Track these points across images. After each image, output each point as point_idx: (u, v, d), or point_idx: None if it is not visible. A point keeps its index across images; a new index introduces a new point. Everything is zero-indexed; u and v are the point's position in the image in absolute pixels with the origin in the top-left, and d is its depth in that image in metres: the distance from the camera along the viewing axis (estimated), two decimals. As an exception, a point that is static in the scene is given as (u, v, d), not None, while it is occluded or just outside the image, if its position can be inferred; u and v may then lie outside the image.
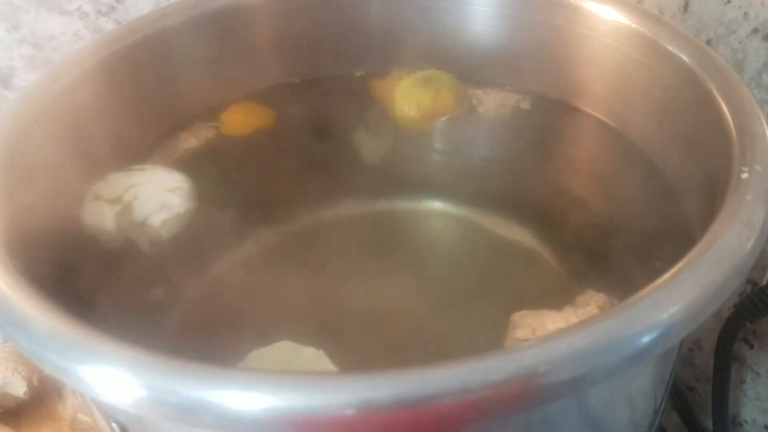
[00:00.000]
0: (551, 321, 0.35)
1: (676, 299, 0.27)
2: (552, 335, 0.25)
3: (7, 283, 0.30)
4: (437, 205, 0.51)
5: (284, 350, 0.34)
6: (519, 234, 0.47)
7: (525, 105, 0.52)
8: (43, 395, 0.58)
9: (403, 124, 0.52)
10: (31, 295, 0.29)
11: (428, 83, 0.52)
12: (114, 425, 0.31)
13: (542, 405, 0.27)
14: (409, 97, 0.52)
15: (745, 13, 0.47)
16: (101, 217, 0.42)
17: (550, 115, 0.51)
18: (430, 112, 0.51)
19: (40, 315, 0.28)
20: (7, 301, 0.29)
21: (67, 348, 0.27)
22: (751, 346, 0.54)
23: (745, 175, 0.32)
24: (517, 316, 0.36)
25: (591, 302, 0.36)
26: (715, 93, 0.38)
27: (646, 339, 0.26)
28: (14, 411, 0.56)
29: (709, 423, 0.58)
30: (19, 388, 0.55)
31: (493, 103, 0.52)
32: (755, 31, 0.47)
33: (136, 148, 0.48)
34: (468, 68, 0.53)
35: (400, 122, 0.52)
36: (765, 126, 0.35)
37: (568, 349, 0.25)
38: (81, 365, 0.26)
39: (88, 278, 0.40)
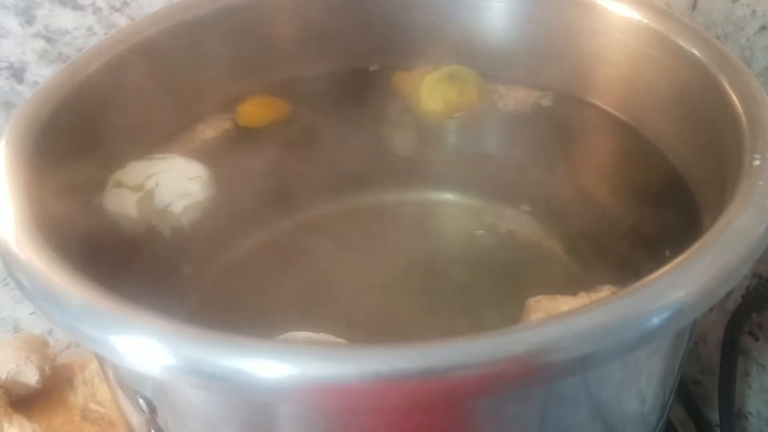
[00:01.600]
0: (566, 305, 0.36)
1: (691, 279, 0.28)
2: (572, 311, 0.26)
3: (41, 260, 0.31)
4: (453, 197, 0.51)
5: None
6: (534, 227, 0.47)
7: (546, 102, 0.52)
8: (55, 384, 0.58)
9: (428, 118, 0.53)
10: (64, 270, 0.30)
11: (453, 79, 0.53)
12: (141, 401, 0.32)
13: (560, 378, 0.28)
14: (434, 91, 0.52)
15: (753, 11, 0.48)
16: (123, 203, 0.43)
17: (566, 110, 0.52)
18: (455, 107, 0.52)
19: (74, 288, 0.29)
20: (42, 276, 0.30)
21: (101, 319, 0.27)
22: (757, 339, 0.55)
23: (757, 162, 0.33)
24: (532, 302, 0.37)
25: (604, 289, 0.37)
26: (726, 85, 0.39)
27: (660, 317, 0.27)
28: (26, 399, 0.56)
29: (713, 416, 0.59)
30: (31, 377, 0.56)
31: (513, 99, 0.53)
32: (763, 28, 0.48)
33: (156, 139, 0.49)
34: (483, 63, 0.54)
35: (425, 116, 0.53)
36: (775, 116, 0.36)
37: (588, 324, 0.26)
38: (115, 336, 0.27)
39: (112, 262, 0.41)
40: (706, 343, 0.60)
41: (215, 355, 0.25)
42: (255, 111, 0.53)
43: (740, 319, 0.49)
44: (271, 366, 0.25)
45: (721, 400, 0.54)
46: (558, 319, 0.26)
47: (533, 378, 0.26)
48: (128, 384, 0.33)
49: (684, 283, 0.28)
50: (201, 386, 0.27)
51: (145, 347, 0.26)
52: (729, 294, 0.55)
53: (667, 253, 0.41)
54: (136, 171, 0.45)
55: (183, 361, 0.25)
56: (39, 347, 0.58)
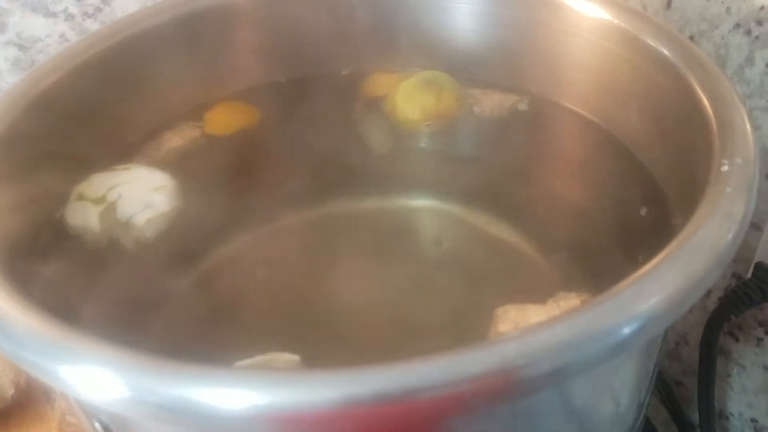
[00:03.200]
0: (534, 315, 0.35)
1: (656, 290, 0.27)
2: (532, 327, 0.25)
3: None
4: (428, 203, 0.51)
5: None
6: (507, 231, 0.47)
7: (522, 106, 0.52)
8: (31, 397, 0.57)
9: (405, 126, 0.52)
10: (10, 295, 0.29)
11: (430, 85, 0.52)
12: (97, 425, 0.31)
13: (525, 397, 0.27)
14: (411, 99, 0.51)
15: (728, 8, 0.47)
16: (85, 216, 0.42)
17: (540, 114, 0.51)
18: (432, 114, 0.51)
19: (20, 315, 0.28)
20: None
21: (47, 348, 0.27)
22: (737, 340, 0.54)
23: (725, 168, 0.32)
24: (500, 311, 0.36)
25: (573, 296, 0.36)
26: (696, 87, 0.38)
27: (626, 330, 0.26)
28: (2, 413, 0.56)
29: (695, 416, 0.58)
30: (6, 390, 0.55)
31: (489, 104, 0.52)
32: (737, 26, 0.47)
33: (120, 148, 0.48)
34: (455, 66, 0.53)
35: (401, 124, 0.52)
36: (746, 119, 0.35)
37: (549, 341, 0.25)
38: (62, 365, 0.26)
39: (73, 278, 0.40)
40: (687, 344, 0.60)
41: (163, 385, 0.24)
42: (223, 118, 0.52)
43: (718, 320, 0.49)
44: (221, 394, 0.24)
45: (701, 401, 0.53)
46: (517, 336, 0.25)
47: (494, 398, 0.25)
48: (85, 408, 0.32)
49: (649, 295, 0.27)
50: (151, 417, 0.26)
51: (91, 377, 0.25)
52: (709, 295, 0.55)
53: (640, 258, 0.41)
54: (98, 183, 0.44)
55: (133, 392, 0.25)
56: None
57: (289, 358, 0.32)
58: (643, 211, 0.42)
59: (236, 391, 0.24)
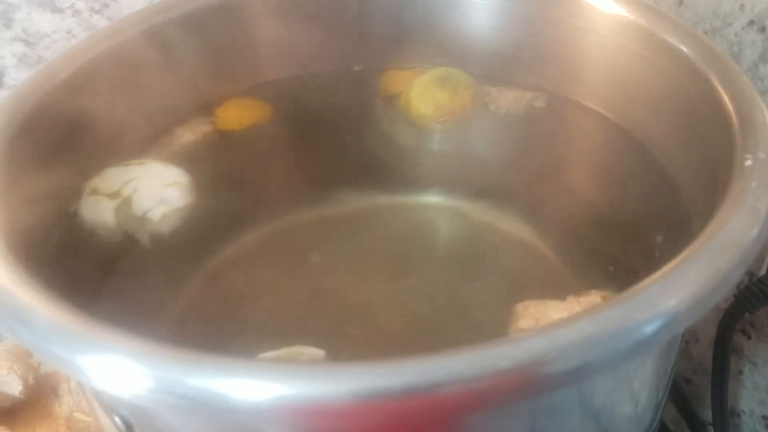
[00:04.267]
0: (554, 311, 0.35)
1: (682, 287, 0.27)
2: (560, 322, 0.25)
3: (9, 276, 0.30)
4: (439, 199, 0.50)
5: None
6: (523, 228, 0.47)
7: (539, 103, 0.51)
8: (39, 394, 0.57)
9: (419, 123, 0.51)
10: (33, 288, 0.29)
11: (445, 82, 0.51)
12: (117, 420, 0.31)
13: (551, 392, 0.27)
14: (425, 96, 0.51)
15: (741, 5, 0.47)
16: (100, 211, 0.42)
17: (556, 112, 0.51)
18: (447, 111, 0.51)
19: (42, 307, 0.28)
20: (9, 293, 0.29)
21: (70, 339, 0.26)
22: (749, 337, 0.54)
23: (749, 162, 0.32)
24: (520, 307, 0.36)
25: (593, 292, 0.36)
26: (716, 83, 0.38)
27: (653, 326, 0.26)
28: (10, 410, 0.55)
29: (706, 415, 0.58)
30: (14, 387, 0.55)
31: (505, 101, 0.52)
32: (751, 23, 0.47)
33: (133, 144, 0.48)
34: (470, 62, 0.53)
35: (415, 120, 0.51)
36: (766, 114, 0.35)
37: (576, 336, 0.25)
38: (84, 356, 0.26)
39: (88, 273, 0.40)
40: (698, 342, 0.60)
41: (188, 376, 0.24)
42: (234, 114, 0.52)
43: (732, 318, 0.49)
44: (246, 386, 0.24)
45: (714, 399, 0.53)
46: (545, 330, 0.25)
47: (520, 393, 0.25)
48: (104, 401, 0.32)
49: (675, 291, 0.27)
50: (176, 408, 0.26)
51: (115, 368, 0.25)
52: (721, 292, 0.55)
53: (657, 255, 0.41)
54: (112, 177, 0.44)
55: (155, 383, 0.24)
56: (22, 357, 0.57)
57: (315, 352, 0.31)
58: (662, 212, 0.42)
59: (262, 383, 0.24)
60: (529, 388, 0.25)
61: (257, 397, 0.24)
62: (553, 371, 0.25)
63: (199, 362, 0.24)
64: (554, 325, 0.25)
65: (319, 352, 0.32)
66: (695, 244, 0.29)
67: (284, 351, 0.31)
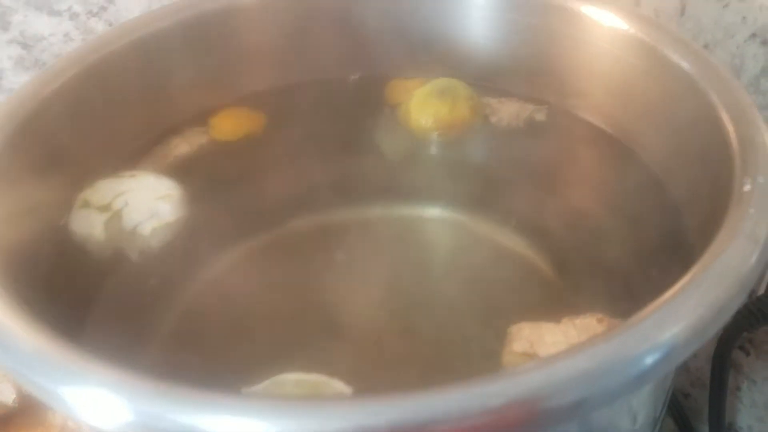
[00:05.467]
0: (549, 334, 0.34)
1: (680, 318, 0.26)
2: (553, 357, 0.25)
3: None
4: (436, 212, 0.50)
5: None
6: (520, 244, 0.46)
7: (540, 116, 0.51)
8: (33, 403, 0.57)
9: (418, 134, 0.51)
10: (14, 312, 0.28)
11: (444, 94, 0.51)
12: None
13: (544, 429, 0.26)
14: (425, 107, 0.50)
15: (744, 18, 0.47)
16: (90, 225, 0.42)
17: (557, 126, 0.50)
18: (446, 124, 0.50)
19: (24, 333, 0.27)
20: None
21: (51, 369, 0.26)
22: (748, 354, 0.54)
23: (747, 187, 0.31)
24: (514, 329, 0.36)
25: (588, 315, 0.36)
26: (716, 102, 0.38)
27: (650, 360, 0.25)
28: (3, 419, 0.55)
29: (703, 429, 0.58)
30: (8, 396, 0.54)
31: (506, 114, 0.51)
32: (753, 35, 0.46)
33: (127, 154, 0.48)
34: (470, 73, 0.52)
35: (414, 132, 0.51)
36: (766, 136, 0.35)
37: (571, 372, 0.24)
38: (65, 387, 0.25)
39: (76, 288, 0.40)
40: (696, 357, 0.59)
41: (170, 411, 0.24)
42: (229, 123, 0.51)
43: (731, 337, 0.48)
44: (229, 422, 0.23)
45: (712, 416, 0.53)
46: (538, 366, 0.24)
47: (521, 427, 0.24)
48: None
49: (673, 323, 0.26)
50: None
51: (98, 401, 0.25)
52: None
53: (655, 274, 0.40)
54: (104, 190, 0.43)
55: (136, 417, 0.24)
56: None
57: (341, 387, 0.31)
58: (660, 232, 0.41)
59: (245, 420, 0.23)
60: (522, 425, 0.24)
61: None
62: (547, 408, 0.24)
63: (181, 397, 0.24)
64: (548, 360, 0.25)
65: (345, 388, 0.31)
66: (692, 273, 0.28)
67: (310, 377, 0.30)
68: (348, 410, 0.23)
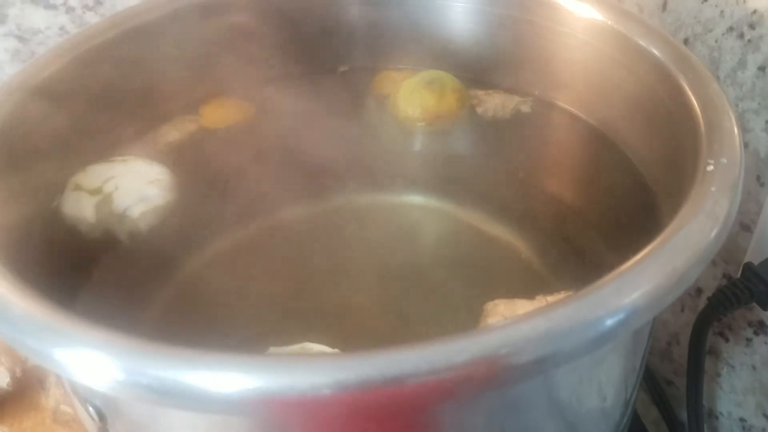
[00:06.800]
0: (522, 309, 0.36)
1: (637, 285, 0.28)
2: (515, 318, 0.26)
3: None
4: (421, 200, 0.51)
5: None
6: (502, 230, 0.47)
7: (525, 108, 0.52)
8: (26, 386, 0.57)
9: (405, 125, 0.52)
10: (7, 279, 0.30)
11: (432, 85, 0.52)
12: (91, 410, 0.32)
13: (508, 386, 0.28)
14: (412, 98, 0.52)
15: (721, 12, 0.48)
16: (81, 207, 0.43)
17: (539, 115, 0.51)
18: (433, 114, 0.51)
19: (17, 298, 0.28)
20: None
21: (43, 331, 0.27)
22: (727, 340, 0.55)
23: (710, 167, 0.33)
24: (490, 305, 0.37)
25: (562, 293, 0.37)
26: (687, 88, 0.39)
27: (608, 323, 0.27)
28: (-3, 402, 0.56)
29: (685, 416, 0.59)
30: (1, 379, 0.55)
31: (492, 105, 0.52)
32: (731, 29, 0.47)
33: (118, 140, 0.49)
34: (454, 65, 0.54)
35: (402, 122, 0.52)
36: (734, 121, 0.36)
37: (531, 332, 0.25)
38: (57, 348, 0.27)
39: (67, 268, 0.41)
40: (678, 344, 0.60)
41: (156, 368, 0.25)
42: (219, 113, 0.52)
43: (707, 320, 0.49)
44: (209, 377, 0.24)
45: (689, 400, 0.54)
46: (500, 327, 0.26)
47: (477, 385, 0.26)
48: (79, 391, 0.33)
49: (632, 288, 0.28)
50: (143, 400, 0.26)
51: (88, 360, 0.26)
52: (700, 295, 0.55)
53: (630, 255, 0.41)
54: (95, 174, 0.44)
55: (127, 375, 0.25)
56: (9, 349, 0.57)
57: (322, 349, 0.32)
58: (635, 213, 0.42)
59: (224, 374, 0.25)
60: (486, 382, 0.26)
61: (220, 388, 0.25)
62: (508, 364, 0.25)
63: (166, 354, 0.25)
64: (510, 321, 0.26)
65: (327, 349, 0.32)
66: (654, 244, 0.29)
67: (294, 347, 0.32)
68: (322, 365, 0.24)
